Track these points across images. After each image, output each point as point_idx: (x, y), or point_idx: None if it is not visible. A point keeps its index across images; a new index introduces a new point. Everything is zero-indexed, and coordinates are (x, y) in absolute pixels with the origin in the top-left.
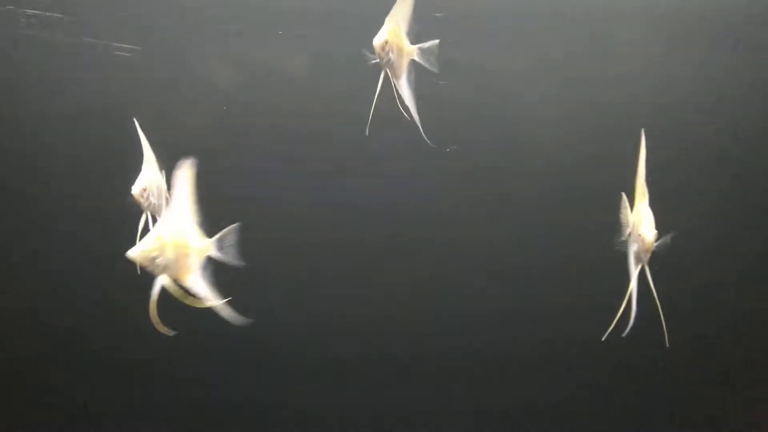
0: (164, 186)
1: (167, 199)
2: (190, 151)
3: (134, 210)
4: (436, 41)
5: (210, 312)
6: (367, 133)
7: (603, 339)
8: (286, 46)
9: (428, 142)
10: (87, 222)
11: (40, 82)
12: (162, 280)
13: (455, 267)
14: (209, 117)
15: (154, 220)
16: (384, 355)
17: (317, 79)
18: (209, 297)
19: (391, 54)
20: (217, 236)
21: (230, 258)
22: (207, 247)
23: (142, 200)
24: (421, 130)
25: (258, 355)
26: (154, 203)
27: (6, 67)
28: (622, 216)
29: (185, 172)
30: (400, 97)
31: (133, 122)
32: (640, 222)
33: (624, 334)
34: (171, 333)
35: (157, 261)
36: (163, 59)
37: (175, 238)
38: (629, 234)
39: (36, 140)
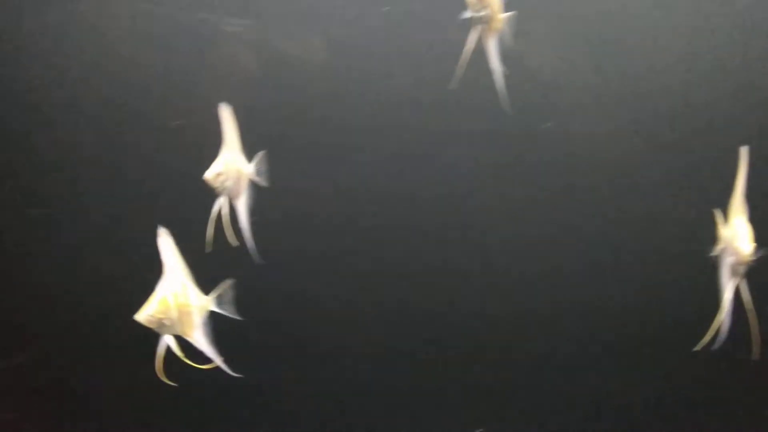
0: (246, 170)
1: (248, 183)
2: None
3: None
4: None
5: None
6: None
7: (694, 350)
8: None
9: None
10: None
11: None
12: (167, 340)
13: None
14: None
15: (231, 206)
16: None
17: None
18: (211, 353)
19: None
20: (214, 292)
21: (229, 312)
22: (207, 303)
23: (217, 185)
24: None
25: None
26: (231, 188)
27: (127, 41)
28: (718, 230)
29: (166, 239)
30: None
31: (221, 107)
32: (737, 236)
33: (715, 347)
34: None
35: (163, 322)
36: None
37: (177, 299)
38: (723, 248)
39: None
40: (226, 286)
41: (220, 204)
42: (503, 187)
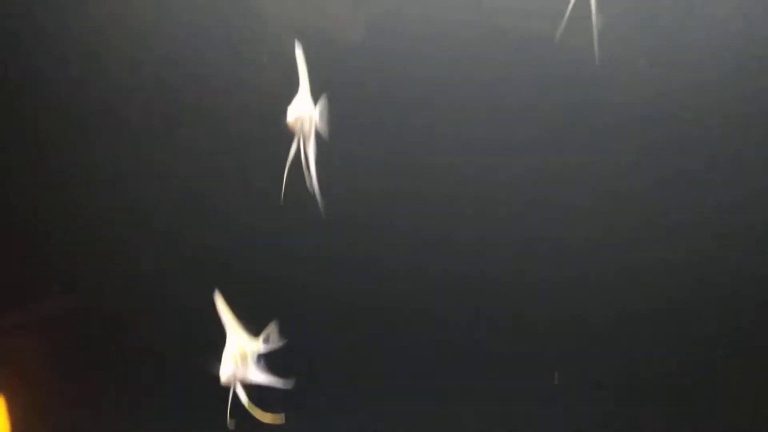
0: (315, 116)
1: (315, 130)
2: None
3: None
4: None
5: None
6: None
7: None
8: None
9: None
10: None
11: None
12: (238, 391)
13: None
14: None
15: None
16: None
17: None
18: (272, 382)
19: None
20: (263, 334)
21: (275, 347)
22: (258, 346)
23: (296, 127)
24: None
25: None
26: (306, 132)
27: None
28: None
29: (220, 301)
30: None
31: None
32: None
33: None
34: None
35: (237, 375)
36: None
37: (241, 349)
38: None
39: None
40: (271, 329)
41: (295, 149)
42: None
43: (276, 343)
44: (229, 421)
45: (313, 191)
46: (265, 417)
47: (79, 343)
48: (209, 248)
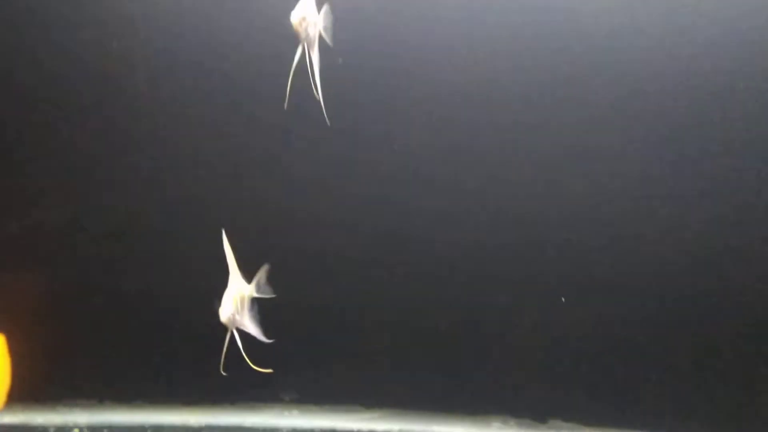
0: (320, 21)
1: (319, 33)
2: None
3: None
4: None
5: None
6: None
7: None
8: None
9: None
10: None
11: None
12: (235, 333)
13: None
14: None
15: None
16: None
17: None
18: (258, 334)
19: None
20: (254, 280)
21: (266, 293)
22: (252, 291)
23: (300, 30)
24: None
25: None
26: (311, 36)
27: None
28: None
29: (227, 241)
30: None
31: None
32: None
33: None
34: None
35: (236, 317)
36: None
37: (240, 293)
38: None
39: None
40: (263, 272)
41: (300, 53)
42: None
43: (268, 290)
44: (223, 364)
45: (319, 98)
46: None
47: (78, 287)
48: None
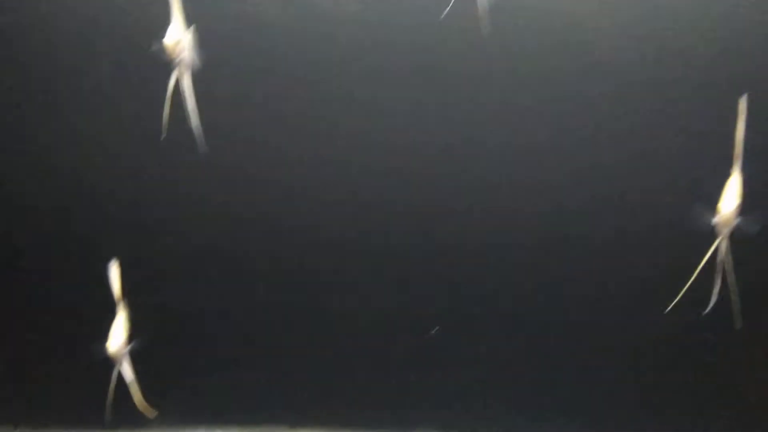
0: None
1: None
2: None
3: None
4: None
5: None
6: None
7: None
8: None
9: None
10: None
11: None
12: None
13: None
14: None
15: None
16: None
17: None
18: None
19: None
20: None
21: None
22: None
23: (175, 54)
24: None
25: None
26: (186, 60)
27: None
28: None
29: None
30: None
31: None
32: (724, 194)
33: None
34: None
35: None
36: None
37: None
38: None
39: None
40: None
41: (175, 79)
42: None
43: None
44: (109, 399)
45: (193, 126)
46: (142, 403)
47: None
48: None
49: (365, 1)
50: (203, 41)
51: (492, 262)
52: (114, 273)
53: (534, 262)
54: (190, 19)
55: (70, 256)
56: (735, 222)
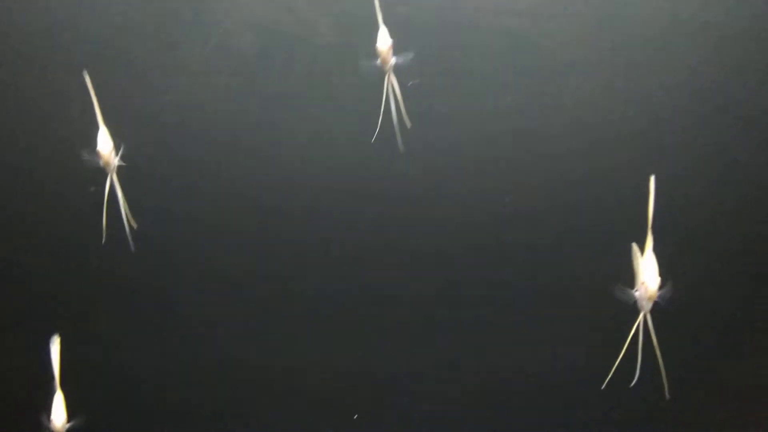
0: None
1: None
2: None
3: None
4: None
5: None
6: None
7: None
8: None
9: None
10: None
11: None
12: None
13: None
14: None
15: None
16: None
17: None
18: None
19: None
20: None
21: None
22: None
23: (111, 161)
24: None
25: None
26: (114, 165)
27: None
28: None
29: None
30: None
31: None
32: (643, 270)
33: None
34: None
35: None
36: None
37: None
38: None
39: None
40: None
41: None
42: None
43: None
44: None
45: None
46: None
47: None
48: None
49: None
50: None
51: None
52: (55, 350)
53: None
54: None
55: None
56: (657, 295)
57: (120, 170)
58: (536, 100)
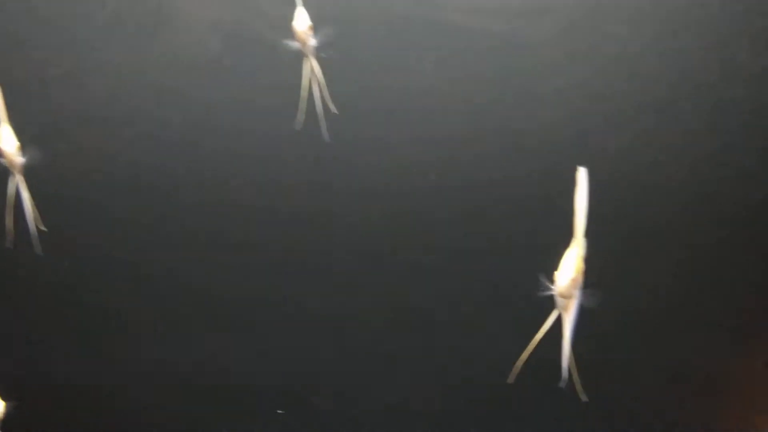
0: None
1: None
2: None
3: None
4: None
5: None
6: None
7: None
8: None
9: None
10: None
11: None
12: None
13: None
14: None
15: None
16: None
17: None
18: None
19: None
20: None
21: None
22: None
23: (17, 160)
24: None
25: None
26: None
27: None
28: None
29: None
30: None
31: None
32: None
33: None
34: None
35: None
36: None
37: None
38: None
39: None
40: None
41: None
42: None
43: None
44: None
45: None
46: None
47: None
48: None
49: None
50: None
51: None
52: None
53: None
54: None
55: None
56: (574, 295)
57: (27, 169)
58: (518, 97)
